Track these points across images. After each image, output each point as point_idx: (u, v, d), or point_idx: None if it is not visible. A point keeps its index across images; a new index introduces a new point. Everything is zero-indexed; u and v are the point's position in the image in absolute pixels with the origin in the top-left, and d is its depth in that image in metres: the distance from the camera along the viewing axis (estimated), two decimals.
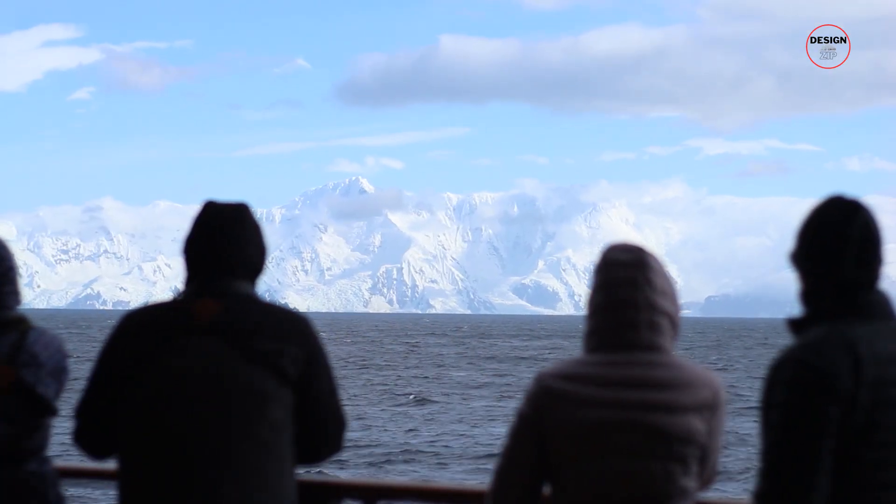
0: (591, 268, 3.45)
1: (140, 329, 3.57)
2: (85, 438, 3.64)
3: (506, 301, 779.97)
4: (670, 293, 3.35)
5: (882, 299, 3.08)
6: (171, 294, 3.68)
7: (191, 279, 3.66)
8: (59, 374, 4.02)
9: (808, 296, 3.09)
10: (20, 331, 3.98)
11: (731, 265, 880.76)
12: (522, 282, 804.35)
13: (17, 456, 3.97)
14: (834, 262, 3.05)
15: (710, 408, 3.26)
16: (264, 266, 3.71)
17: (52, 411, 4.00)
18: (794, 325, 3.10)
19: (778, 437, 2.93)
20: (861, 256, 3.06)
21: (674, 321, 3.35)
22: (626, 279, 3.32)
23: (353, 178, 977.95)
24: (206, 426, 3.45)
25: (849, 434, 2.92)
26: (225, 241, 3.63)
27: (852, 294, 3.04)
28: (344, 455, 25.19)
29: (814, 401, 2.90)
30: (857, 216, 3.08)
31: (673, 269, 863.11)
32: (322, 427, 3.63)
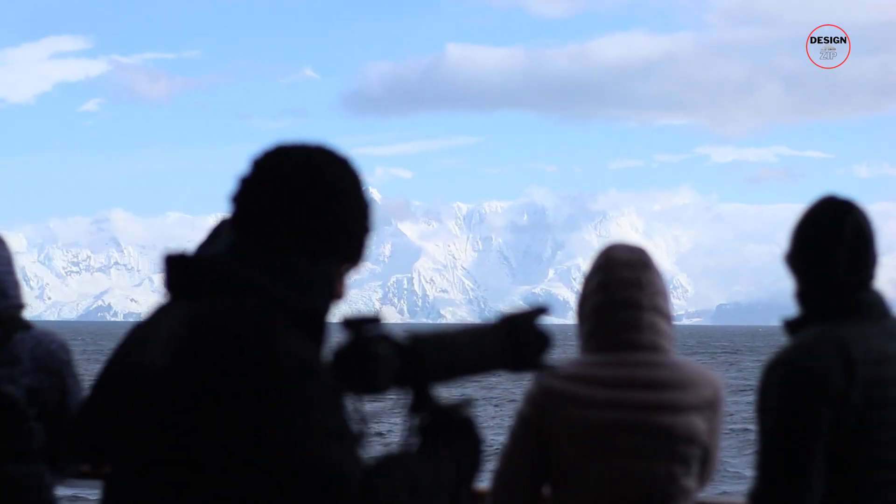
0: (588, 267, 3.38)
1: None
2: (85, 442, 3.63)
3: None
4: (667, 294, 3.33)
5: (876, 299, 3.08)
6: None
7: None
8: (46, 375, 3.91)
9: (802, 296, 3.10)
10: (5, 329, 3.91)
11: (742, 272, 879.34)
12: (533, 291, 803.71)
13: None
14: (827, 262, 3.05)
15: (711, 406, 3.25)
16: None
17: (18, 412, 3.87)
18: (790, 325, 3.11)
19: (771, 438, 2.95)
20: (853, 256, 3.05)
21: (670, 322, 3.32)
22: (630, 280, 3.26)
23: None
24: None
25: (842, 434, 2.92)
26: None
27: (846, 294, 3.04)
28: None
29: (805, 402, 2.91)
30: (850, 216, 3.06)
31: (683, 277, 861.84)
32: None
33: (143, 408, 2.21)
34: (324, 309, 2.32)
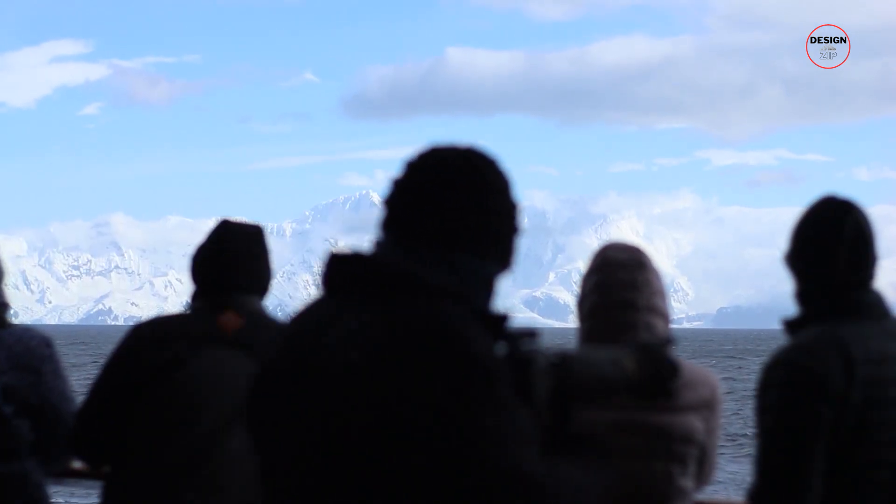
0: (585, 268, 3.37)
1: (165, 337, 3.64)
2: (86, 443, 3.68)
3: (517, 314, 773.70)
4: (664, 293, 3.32)
5: (876, 299, 3.07)
6: (183, 308, 3.76)
7: (203, 293, 3.73)
8: (24, 373, 3.83)
9: (802, 296, 3.10)
10: None
11: (743, 276, 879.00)
12: (533, 294, 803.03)
13: None
14: (826, 262, 3.05)
15: (708, 406, 3.24)
16: (270, 286, 3.83)
17: None
18: (790, 325, 3.10)
19: (771, 438, 2.95)
20: (853, 256, 3.05)
21: (668, 322, 3.31)
22: (626, 281, 3.25)
23: (364, 191, 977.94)
24: (225, 430, 3.56)
25: (842, 434, 2.92)
26: (246, 260, 3.73)
27: (845, 294, 3.04)
28: None
29: (805, 402, 2.91)
30: (849, 216, 3.06)
31: (683, 281, 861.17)
32: None
33: (322, 405, 2.16)
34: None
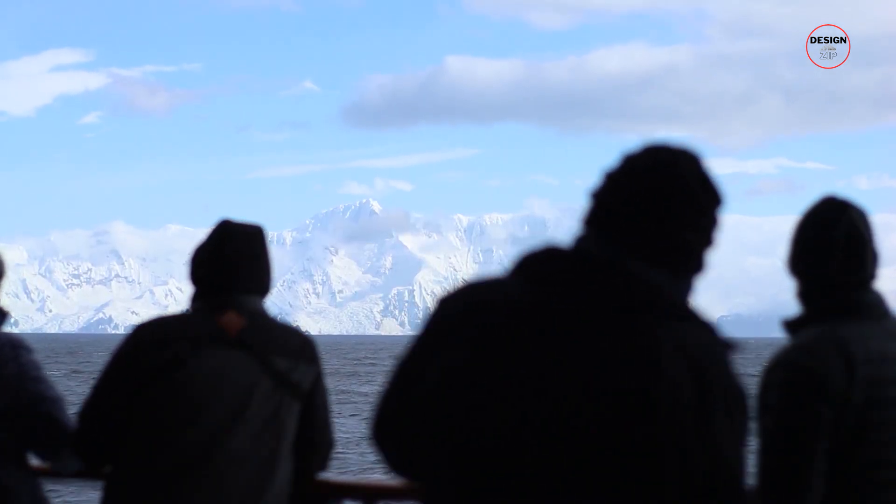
0: None
1: (165, 337, 3.66)
2: (88, 444, 3.70)
3: None
4: None
5: (876, 299, 3.07)
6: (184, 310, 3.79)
7: (203, 293, 3.74)
8: None
9: (802, 297, 3.10)
10: None
11: (743, 285, 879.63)
12: None
13: None
14: (823, 262, 3.06)
15: None
16: (271, 287, 3.83)
17: None
18: (790, 325, 3.11)
19: (771, 438, 2.96)
20: (848, 256, 3.05)
21: None
22: None
23: (364, 200, 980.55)
24: (226, 430, 3.59)
25: (843, 434, 2.93)
26: (246, 260, 3.73)
27: (845, 294, 3.04)
28: (344, 455, 25.49)
29: (806, 402, 2.92)
30: (845, 216, 3.08)
31: None
32: (315, 443, 3.78)
33: (591, 398, 2.09)
34: None
